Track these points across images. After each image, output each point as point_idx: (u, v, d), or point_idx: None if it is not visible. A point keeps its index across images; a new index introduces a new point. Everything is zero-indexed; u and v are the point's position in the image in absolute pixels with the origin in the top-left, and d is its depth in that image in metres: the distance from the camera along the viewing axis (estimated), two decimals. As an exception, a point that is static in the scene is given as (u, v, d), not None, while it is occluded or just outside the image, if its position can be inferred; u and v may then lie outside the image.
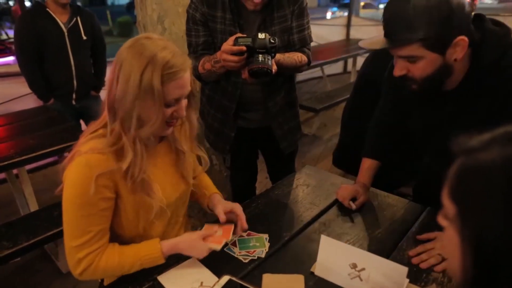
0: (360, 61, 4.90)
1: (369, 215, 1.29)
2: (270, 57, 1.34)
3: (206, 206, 1.24)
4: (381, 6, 24.10)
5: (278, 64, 1.44)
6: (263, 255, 1.10)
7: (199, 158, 1.21)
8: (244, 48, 1.32)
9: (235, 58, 1.34)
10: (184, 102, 0.99)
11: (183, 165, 1.11)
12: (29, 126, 2.27)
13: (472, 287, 0.46)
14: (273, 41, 1.32)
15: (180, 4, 1.97)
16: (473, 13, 1.01)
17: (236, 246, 1.14)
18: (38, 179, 2.93)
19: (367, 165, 1.37)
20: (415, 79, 1.03)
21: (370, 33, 5.18)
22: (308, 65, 1.70)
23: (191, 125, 1.10)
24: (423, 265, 1.03)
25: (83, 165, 0.91)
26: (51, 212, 1.88)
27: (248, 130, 1.74)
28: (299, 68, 1.62)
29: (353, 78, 5.25)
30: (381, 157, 1.37)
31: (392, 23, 0.99)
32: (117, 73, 0.91)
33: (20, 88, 3.00)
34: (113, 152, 0.93)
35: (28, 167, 2.22)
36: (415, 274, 1.00)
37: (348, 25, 6.12)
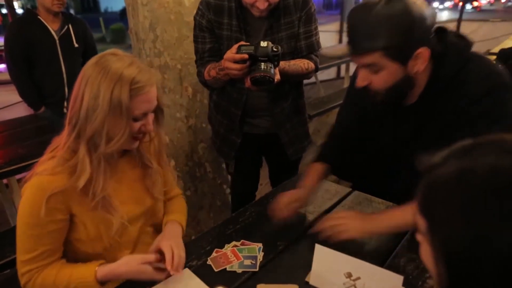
0: (353, 66, 4.93)
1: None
2: (272, 65, 1.33)
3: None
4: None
5: (283, 72, 1.43)
6: (257, 268, 1.07)
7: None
8: (246, 56, 1.32)
9: (238, 66, 1.34)
10: (151, 116, 0.99)
11: (150, 180, 1.10)
12: (19, 135, 2.25)
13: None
14: (275, 49, 1.32)
15: (172, 11, 1.97)
16: (435, 26, 1.01)
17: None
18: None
19: (314, 167, 1.33)
20: (377, 91, 1.03)
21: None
22: (316, 72, 1.69)
23: (159, 140, 1.11)
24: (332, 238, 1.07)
25: (35, 187, 0.92)
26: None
27: (254, 136, 1.73)
28: (305, 75, 1.60)
29: (346, 84, 5.28)
30: (333, 161, 1.34)
31: (355, 31, 0.99)
32: (82, 92, 0.90)
33: (10, 96, 2.97)
34: (66, 169, 0.93)
35: (18, 176, 2.19)
36: (410, 281, 0.99)
37: (340, 31, 6.18)
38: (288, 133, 1.72)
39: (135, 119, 0.95)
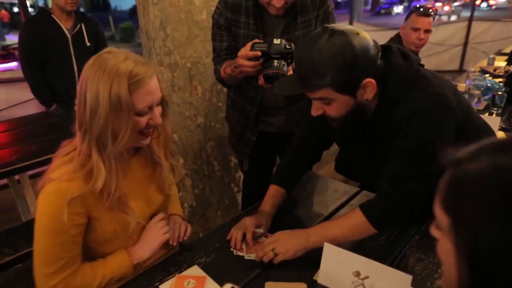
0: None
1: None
2: (285, 63, 1.33)
3: None
4: (396, 10, 24.13)
5: None
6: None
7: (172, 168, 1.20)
8: (259, 53, 1.32)
9: (251, 63, 1.35)
10: (158, 109, 0.99)
11: (160, 177, 1.11)
12: (31, 132, 2.28)
13: None
14: (288, 47, 1.32)
15: (182, 10, 1.98)
16: (380, 47, 1.03)
17: (244, 250, 1.14)
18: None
19: (273, 191, 1.33)
20: (332, 118, 1.05)
21: (373, 37, 5.19)
22: None
23: (165, 134, 1.11)
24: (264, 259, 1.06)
25: (53, 194, 0.91)
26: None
27: (270, 135, 1.73)
28: None
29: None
30: (289, 186, 1.36)
31: (302, 68, 1.00)
32: (84, 93, 0.90)
33: (23, 93, 3.02)
34: (83, 175, 0.92)
35: (29, 172, 2.23)
36: (419, 282, 0.99)
37: (349, 31, 6.16)
38: None
39: (140, 114, 0.94)
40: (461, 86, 2.68)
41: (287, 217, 1.33)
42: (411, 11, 2.31)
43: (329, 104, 1.01)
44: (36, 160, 1.87)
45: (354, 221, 1.07)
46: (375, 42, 1.00)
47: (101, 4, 29.55)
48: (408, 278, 0.87)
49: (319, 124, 1.20)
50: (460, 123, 1.03)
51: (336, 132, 1.25)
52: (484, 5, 24.42)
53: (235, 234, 1.16)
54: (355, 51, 0.93)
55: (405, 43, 2.32)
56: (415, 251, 1.12)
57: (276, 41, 1.31)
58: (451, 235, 0.47)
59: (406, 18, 2.32)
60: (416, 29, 2.24)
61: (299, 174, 1.40)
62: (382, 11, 24.88)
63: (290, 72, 1.37)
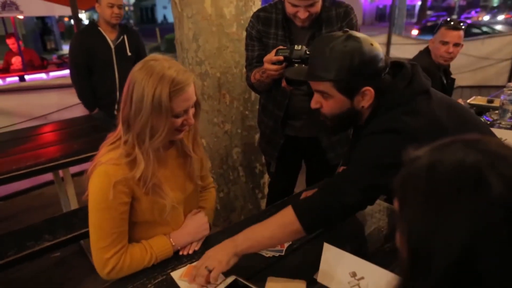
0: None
1: (374, 224, 1.31)
2: (305, 67, 1.44)
3: None
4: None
5: None
6: (283, 253, 1.18)
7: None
8: (281, 58, 1.46)
9: (274, 67, 1.49)
10: (192, 111, 1.11)
11: (190, 167, 1.23)
12: (75, 132, 2.50)
13: (407, 274, 0.52)
14: (308, 52, 1.41)
15: (214, 24, 2.11)
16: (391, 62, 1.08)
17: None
18: (80, 182, 3.17)
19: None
20: (326, 116, 1.11)
21: (410, 51, 5.10)
22: None
23: (195, 131, 1.23)
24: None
25: (102, 175, 1.04)
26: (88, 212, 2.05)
27: (296, 139, 1.83)
28: None
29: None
30: None
31: (313, 59, 1.09)
32: (131, 93, 1.03)
33: (72, 98, 3.30)
34: (127, 162, 1.05)
35: (71, 170, 2.44)
36: None
37: (388, 43, 6.09)
38: (330, 137, 1.80)
39: (177, 116, 1.06)
40: (497, 101, 2.61)
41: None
42: (440, 24, 2.30)
43: (327, 100, 1.08)
44: (77, 157, 2.05)
45: (284, 220, 1.05)
46: (386, 57, 1.05)
47: (149, 17, 31.10)
48: (401, 280, 0.90)
49: None
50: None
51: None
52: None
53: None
54: (363, 58, 1.00)
55: (433, 57, 2.31)
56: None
57: (297, 47, 1.43)
58: (399, 223, 0.53)
59: (435, 32, 2.31)
60: (445, 43, 2.23)
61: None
62: (429, 23, 24.13)
63: None
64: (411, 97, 1.04)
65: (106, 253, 1.07)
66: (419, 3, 24.41)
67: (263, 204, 2.56)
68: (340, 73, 1.01)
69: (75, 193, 2.48)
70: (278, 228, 1.04)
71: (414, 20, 25.29)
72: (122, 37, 2.69)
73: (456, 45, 2.22)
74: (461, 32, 2.22)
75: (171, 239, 1.18)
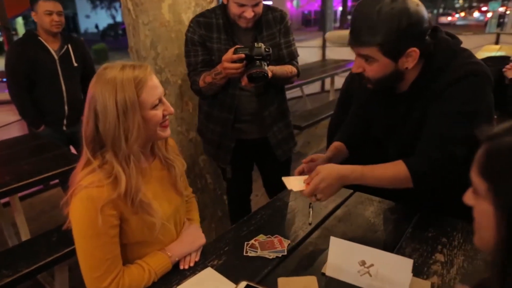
0: (338, 80, 5.11)
1: (368, 219, 1.38)
2: (266, 63, 1.53)
3: None
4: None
5: (272, 74, 1.61)
6: (285, 252, 1.18)
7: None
8: (243, 55, 1.51)
9: (235, 65, 1.53)
10: (166, 101, 1.08)
11: (175, 178, 1.20)
12: (19, 153, 2.26)
13: (505, 254, 0.53)
14: (267, 50, 1.52)
15: (172, 30, 2.06)
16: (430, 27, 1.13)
17: (257, 247, 1.21)
18: (25, 208, 2.87)
19: (336, 144, 1.46)
20: (369, 78, 1.14)
21: (344, 53, 5.44)
22: (298, 76, 1.89)
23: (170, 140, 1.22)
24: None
25: (86, 199, 0.97)
26: (49, 239, 1.86)
27: (246, 142, 1.87)
28: (290, 78, 1.82)
29: (332, 97, 5.45)
30: (351, 145, 1.47)
31: (358, 23, 1.08)
32: (93, 108, 0.98)
33: (5, 116, 2.98)
34: (110, 182, 0.99)
35: (20, 194, 2.20)
36: (417, 268, 1.08)
37: (323, 46, 6.41)
38: (276, 135, 1.89)
39: (154, 107, 1.03)
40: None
41: (284, 220, 1.41)
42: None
43: (370, 64, 1.09)
44: (25, 182, 1.84)
45: (397, 173, 1.13)
46: (429, 17, 1.09)
47: (71, 26, 29.20)
48: (410, 262, 0.97)
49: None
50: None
51: (371, 102, 1.33)
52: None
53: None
54: (411, 20, 1.02)
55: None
56: (410, 242, 1.22)
57: (257, 45, 1.51)
58: (490, 199, 0.55)
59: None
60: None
61: (359, 136, 1.48)
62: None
63: (270, 72, 1.56)
64: (460, 50, 1.10)
65: (102, 282, 1.00)
66: (340, 8, 26.00)
67: (231, 210, 2.54)
68: (387, 36, 1.01)
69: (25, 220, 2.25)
70: (389, 180, 1.14)
71: (337, 24, 26.88)
72: (66, 46, 2.50)
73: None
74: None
75: (167, 252, 1.13)
